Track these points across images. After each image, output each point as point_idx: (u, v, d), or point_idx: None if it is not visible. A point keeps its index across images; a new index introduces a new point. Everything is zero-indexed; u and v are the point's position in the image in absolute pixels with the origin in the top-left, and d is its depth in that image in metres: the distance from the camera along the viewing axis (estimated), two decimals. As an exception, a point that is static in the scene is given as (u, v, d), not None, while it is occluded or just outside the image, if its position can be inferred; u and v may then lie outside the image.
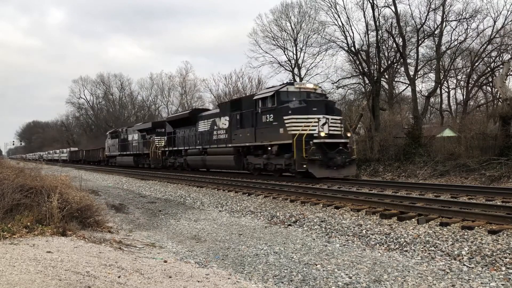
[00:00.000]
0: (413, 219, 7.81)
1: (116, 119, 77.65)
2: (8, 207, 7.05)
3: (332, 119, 15.37)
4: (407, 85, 31.62)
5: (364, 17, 28.91)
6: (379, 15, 28.05)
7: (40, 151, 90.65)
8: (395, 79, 36.47)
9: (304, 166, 14.59)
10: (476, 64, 32.85)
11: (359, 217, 8.56)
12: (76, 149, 66.54)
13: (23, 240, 5.99)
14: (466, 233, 6.64)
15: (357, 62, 30.12)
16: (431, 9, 27.25)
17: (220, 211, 11.63)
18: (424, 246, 6.47)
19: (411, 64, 29.27)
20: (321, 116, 15.05)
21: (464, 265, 5.62)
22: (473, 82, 34.88)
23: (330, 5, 30.47)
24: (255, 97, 17.87)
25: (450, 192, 10.47)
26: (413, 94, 27.33)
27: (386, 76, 33.78)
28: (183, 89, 67.47)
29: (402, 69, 30.51)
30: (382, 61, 30.48)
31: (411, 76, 27.58)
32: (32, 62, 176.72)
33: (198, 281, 4.78)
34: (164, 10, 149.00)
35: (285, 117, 15.51)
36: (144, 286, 4.36)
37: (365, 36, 29.57)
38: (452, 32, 29.60)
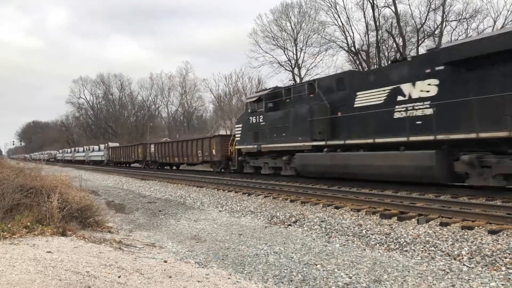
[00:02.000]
0: (413, 219, 7.81)
1: (116, 119, 77.68)
2: (8, 207, 7.06)
3: None
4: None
5: (364, 17, 29.06)
6: (379, 15, 28.19)
7: (50, 150, 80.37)
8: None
9: None
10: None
11: (359, 217, 8.57)
12: (116, 144, 47.02)
13: (23, 240, 5.99)
14: (466, 233, 6.64)
15: (357, 62, 30.16)
16: (431, 9, 27.32)
17: (220, 211, 11.63)
18: (424, 246, 6.47)
19: (411, 64, 29.24)
20: None
21: (464, 265, 5.62)
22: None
23: (330, 5, 30.63)
24: None
25: (450, 192, 10.46)
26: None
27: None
28: (183, 89, 67.61)
29: (402, 69, 30.48)
30: (382, 61, 30.52)
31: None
32: (32, 62, 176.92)
33: (198, 281, 4.78)
34: (165, 10, 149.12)
35: None
36: (144, 286, 4.36)
37: (365, 36, 29.70)
38: (452, 32, 29.63)
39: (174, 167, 31.07)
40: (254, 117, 17.82)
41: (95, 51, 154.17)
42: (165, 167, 31.22)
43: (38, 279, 4.06)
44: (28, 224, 6.66)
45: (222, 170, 22.22)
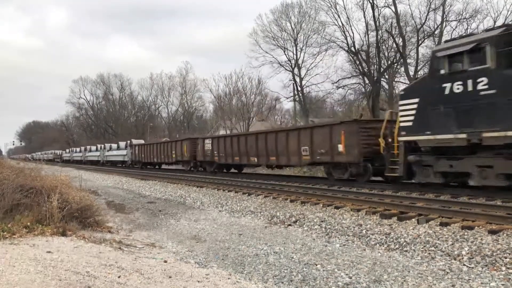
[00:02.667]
0: (413, 219, 7.81)
1: (116, 119, 77.64)
2: (8, 207, 7.07)
3: None
4: (407, 85, 31.52)
5: (364, 17, 29.06)
6: (379, 15, 28.20)
7: (52, 149, 74.64)
8: (395, 79, 36.49)
9: None
10: (476, 64, 32.79)
11: (359, 217, 8.57)
12: (141, 141, 38.55)
13: (23, 240, 6.00)
14: (466, 233, 6.64)
15: (357, 62, 30.20)
16: (431, 9, 27.29)
17: (220, 211, 11.63)
18: (424, 246, 6.47)
19: (411, 64, 29.35)
20: None
21: (464, 265, 5.62)
22: (473, 82, 34.84)
23: (330, 5, 30.65)
24: None
25: (450, 192, 10.45)
26: (413, 94, 27.31)
27: (386, 76, 33.80)
28: (183, 89, 67.50)
29: (402, 69, 30.56)
30: (382, 61, 30.56)
31: (411, 76, 27.63)
32: (32, 62, 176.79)
33: (198, 281, 4.78)
34: (165, 10, 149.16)
35: None
36: (144, 286, 4.36)
37: (365, 36, 29.71)
38: (452, 32, 29.54)
39: (231, 169, 23.83)
40: (457, 82, 9.78)
41: (95, 51, 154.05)
42: (223, 170, 23.47)
43: (38, 279, 4.06)
44: (28, 224, 6.67)
45: (351, 177, 13.98)
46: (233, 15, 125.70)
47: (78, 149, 56.18)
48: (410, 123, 10.99)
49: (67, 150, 62.35)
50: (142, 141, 38.94)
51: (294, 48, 38.39)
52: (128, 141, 39.45)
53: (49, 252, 5.31)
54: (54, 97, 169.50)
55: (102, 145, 46.71)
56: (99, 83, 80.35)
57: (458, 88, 9.82)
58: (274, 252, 6.68)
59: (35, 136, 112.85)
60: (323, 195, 11.24)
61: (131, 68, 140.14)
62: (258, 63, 47.35)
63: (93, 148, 49.60)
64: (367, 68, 28.88)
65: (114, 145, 43.37)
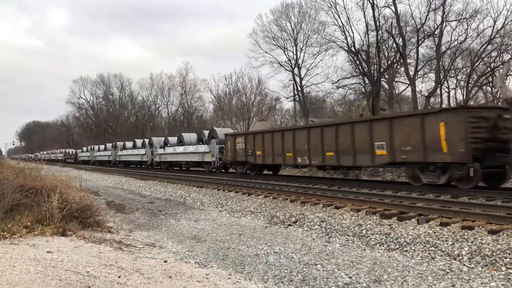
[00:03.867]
0: (413, 219, 7.81)
1: (116, 119, 77.65)
2: (8, 207, 7.06)
3: None
4: (407, 85, 31.42)
5: (364, 17, 28.97)
6: (379, 15, 28.12)
7: (52, 149, 67.90)
8: (395, 79, 36.45)
9: None
10: (476, 64, 32.80)
11: (359, 217, 8.57)
12: (228, 130, 24.74)
13: (23, 240, 6.00)
14: (466, 233, 6.64)
15: (357, 62, 30.14)
16: (431, 9, 27.22)
17: (220, 211, 11.63)
18: (424, 246, 6.47)
19: (411, 64, 29.29)
20: None
21: (464, 265, 5.62)
22: (473, 82, 34.83)
23: (330, 5, 30.57)
24: None
25: (450, 192, 10.46)
26: (413, 94, 27.34)
27: (386, 76, 33.76)
28: (183, 89, 67.45)
29: (402, 69, 30.51)
30: (382, 61, 30.50)
31: (411, 76, 27.59)
32: (32, 62, 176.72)
33: (198, 281, 4.78)
34: (165, 10, 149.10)
35: None
36: (144, 286, 4.36)
37: (365, 36, 29.63)
38: (452, 32, 29.48)
39: None
40: None
41: (95, 51, 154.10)
42: None
43: (38, 279, 4.06)
44: (28, 224, 6.66)
45: None
46: (233, 15, 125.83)
47: (102, 147, 43.64)
48: None
49: (85, 149, 50.63)
50: (229, 130, 25.37)
51: (294, 48, 38.35)
52: (205, 131, 24.12)
53: (49, 252, 5.31)
54: (54, 97, 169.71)
55: (146, 140, 31.90)
56: (99, 83, 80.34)
57: None
58: (274, 252, 6.68)
59: (35, 136, 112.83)
60: (323, 195, 11.25)
61: (131, 68, 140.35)
62: (258, 63, 47.34)
63: (129, 144, 35.20)
64: (367, 68, 28.83)
65: (173, 139, 27.81)
